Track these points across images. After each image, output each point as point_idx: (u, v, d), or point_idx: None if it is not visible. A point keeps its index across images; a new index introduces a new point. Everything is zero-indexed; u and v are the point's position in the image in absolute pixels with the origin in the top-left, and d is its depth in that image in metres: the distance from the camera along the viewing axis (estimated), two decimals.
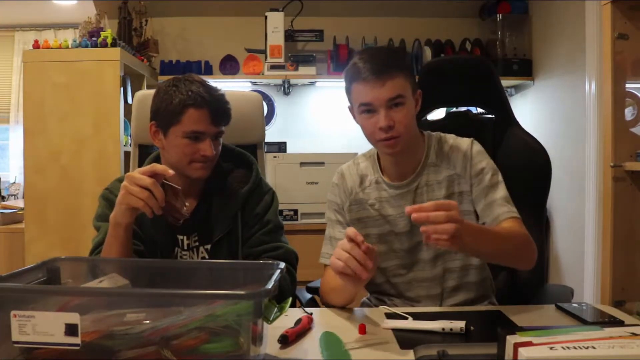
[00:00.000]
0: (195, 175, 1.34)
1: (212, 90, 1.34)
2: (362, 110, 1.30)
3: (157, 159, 1.45)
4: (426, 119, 1.71)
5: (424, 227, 1.02)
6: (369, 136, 1.33)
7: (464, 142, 1.39)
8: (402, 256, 1.39)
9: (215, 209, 1.40)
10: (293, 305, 1.20)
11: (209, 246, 1.40)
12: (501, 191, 1.34)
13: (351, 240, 1.09)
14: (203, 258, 1.40)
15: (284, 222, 1.49)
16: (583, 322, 1.16)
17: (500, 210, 1.31)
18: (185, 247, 1.40)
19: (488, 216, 1.32)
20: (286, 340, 1.03)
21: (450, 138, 1.41)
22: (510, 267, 1.44)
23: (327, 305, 1.34)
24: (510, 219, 1.30)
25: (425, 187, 1.37)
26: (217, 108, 1.34)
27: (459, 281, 1.38)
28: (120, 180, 1.42)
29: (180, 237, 1.40)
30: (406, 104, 1.28)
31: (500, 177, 1.36)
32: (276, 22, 3.21)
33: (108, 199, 1.40)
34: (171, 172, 1.18)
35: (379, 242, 1.40)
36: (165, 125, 1.34)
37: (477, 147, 1.38)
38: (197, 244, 1.41)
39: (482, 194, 1.34)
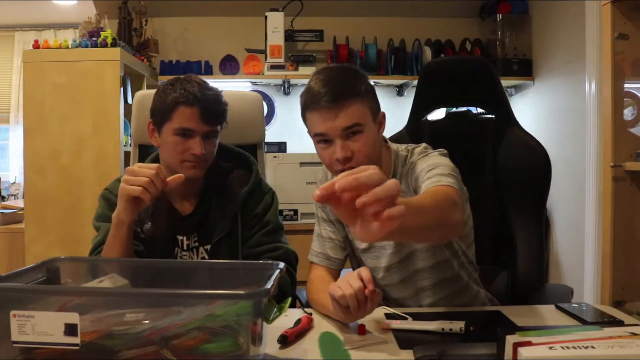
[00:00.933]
0: (187, 174, 1.33)
1: (206, 90, 1.34)
2: (318, 141, 1.23)
3: (157, 159, 1.45)
4: (426, 119, 1.71)
5: (364, 198, 0.69)
6: (327, 167, 1.26)
7: (421, 162, 1.25)
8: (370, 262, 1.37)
9: (215, 210, 1.40)
10: (293, 306, 1.20)
11: (208, 247, 1.40)
12: (430, 159, 1.21)
13: (361, 280, 1.05)
14: (203, 258, 1.40)
15: (284, 222, 1.49)
16: (583, 322, 1.16)
17: (427, 184, 1.12)
18: (185, 248, 1.40)
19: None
20: (286, 341, 1.03)
21: (415, 154, 1.29)
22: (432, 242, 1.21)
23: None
24: (436, 186, 1.11)
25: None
26: (209, 107, 1.33)
27: (432, 280, 1.32)
28: (120, 180, 1.42)
29: (180, 237, 1.40)
30: (365, 131, 1.20)
31: (431, 151, 1.27)
32: (276, 22, 3.21)
33: (108, 199, 1.40)
34: (177, 180, 1.20)
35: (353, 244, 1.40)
36: (160, 123, 1.35)
37: (429, 150, 1.28)
38: (196, 244, 1.41)
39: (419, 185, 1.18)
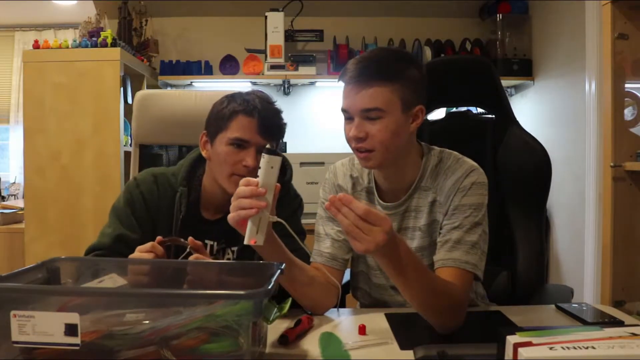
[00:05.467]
0: (232, 190, 1.19)
1: (267, 103, 1.32)
2: (343, 115, 1.23)
3: (196, 162, 1.42)
4: (426, 119, 1.71)
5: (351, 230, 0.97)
6: (347, 142, 1.24)
7: (462, 168, 1.22)
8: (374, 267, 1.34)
9: None
10: (293, 306, 1.20)
11: (235, 248, 1.39)
12: (466, 234, 1.17)
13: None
14: (229, 259, 1.39)
15: None
16: (583, 322, 1.17)
17: (446, 255, 1.16)
18: (214, 253, 1.39)
19: (436, 255, 1.19)
20: (286, 341, 1.03)
21: (450, 159, 1.26)
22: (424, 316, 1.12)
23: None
24: (453, 268, 1.14)
25: (413, 212, 1.27)
26: (268, 119, 1.30)
27: None
28: (127, 184, 1.40)
29: (209, 242, 1.39)
30: (386, 118, 1.15)
31: (477, 219, 1.18)
32: (276, 22, 3.21)
33: (119, 216, 1.36)
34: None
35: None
36: (214, 133, 1.31)
37: (473, 178, 1.21)
38: (223, 245, 1.40)
39: (445, 231, 1.20)
